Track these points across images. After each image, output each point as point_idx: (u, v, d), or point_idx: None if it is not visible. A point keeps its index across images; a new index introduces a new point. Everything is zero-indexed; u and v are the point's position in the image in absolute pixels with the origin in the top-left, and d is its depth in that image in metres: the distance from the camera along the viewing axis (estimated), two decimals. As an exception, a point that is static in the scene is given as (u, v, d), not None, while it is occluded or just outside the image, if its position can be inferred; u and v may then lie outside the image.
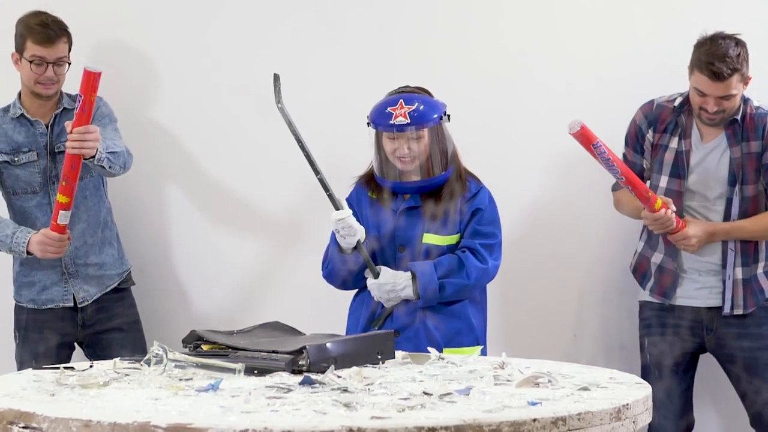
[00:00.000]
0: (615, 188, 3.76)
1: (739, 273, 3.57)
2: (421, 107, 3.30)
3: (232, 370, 2.40)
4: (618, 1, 3.95)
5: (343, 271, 3.37)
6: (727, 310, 3.56)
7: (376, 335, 2.74)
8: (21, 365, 3.69)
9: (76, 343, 3.82)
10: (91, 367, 2.55)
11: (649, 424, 3.36)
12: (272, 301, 4.01)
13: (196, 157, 4.04)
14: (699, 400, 3.78)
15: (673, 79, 3.61)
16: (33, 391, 2.24)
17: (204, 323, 3.75)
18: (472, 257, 3.31)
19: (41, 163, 3.69)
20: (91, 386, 2.27)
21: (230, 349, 2.57)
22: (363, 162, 3.46)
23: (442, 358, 2.68)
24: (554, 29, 3.95)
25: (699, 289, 3.61)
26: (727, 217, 3.57)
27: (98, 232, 3.76)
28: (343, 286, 3.44)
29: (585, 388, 2.24)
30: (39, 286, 3.73)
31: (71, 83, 3.70)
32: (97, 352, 3.74)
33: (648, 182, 3.62)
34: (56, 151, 3.68)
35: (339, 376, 2.33)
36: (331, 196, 3.29)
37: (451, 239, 3.35)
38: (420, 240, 3.34)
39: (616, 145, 3.62)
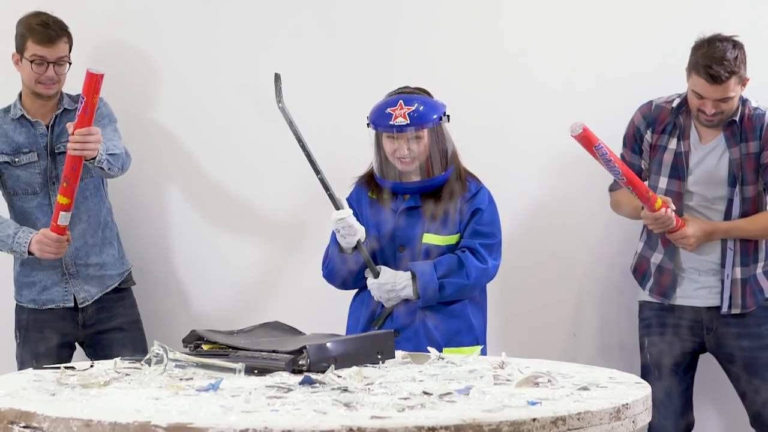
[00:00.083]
0: (612, 189, 3.76)
1: (738, 273, 3.58)
2: (421, 108, 3.30)
3: (233, 370, 2.40)
4: (618, 1, 3.96)
5: (343, 270, 3.37)
6: (725, 309, 3.57)
7: (376, 335, 2.74)
8: (22, 365, 3.69)
9: (76, 343, 3.83)
10: (91, 366, 2.55)
11: (649, 424, 3.37)
12: (272, 301, 4.01)
13: (197, 157, 4.05)
14: (699, 400, 3.79)
15: (672, 79, 3.61)
16: (34, 390, 2.25)
17: (204, 323, 3.75)
18: (471, 257, 3.31)
19: (42, 163, 3.69)
20: (91, 386, 2.27)
21: (230, 349, 2.57)
22: (363, 162, 3.46)
23: (442, 358, 2.68)
24: (554, 29, 3.95)
25: (698, 289, 3.61)
26: (727, 217, 3.58)
27: (99, 233, 3.76)
28: (343, 285, 3.45)
29: (584, 388, 2.24)
30: (39, 287, 3.73)
31: (71, 84, 3.71)
32: (97, 351, 3.75)
33: (646, 183, 3.62)
34: (56, 151, 3.68)
35: (339, 376, 2.34)
36: (331, 196, 3.30)
37: (450, 239, 3.35)
38: (420, 240, 3.34)
39: (616, 144, 3.63)
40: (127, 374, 2.42)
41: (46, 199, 3.70)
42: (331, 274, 3.42)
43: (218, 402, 2.08)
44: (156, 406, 2.05)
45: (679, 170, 3.59)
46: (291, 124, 3.30)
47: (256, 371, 2.42)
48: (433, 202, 3.34)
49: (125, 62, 4.03)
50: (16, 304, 3.79)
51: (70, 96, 3.74)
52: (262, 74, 3.59)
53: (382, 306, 3.36)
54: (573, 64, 3.93)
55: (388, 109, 3.31)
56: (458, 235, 3.36)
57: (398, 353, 2.71)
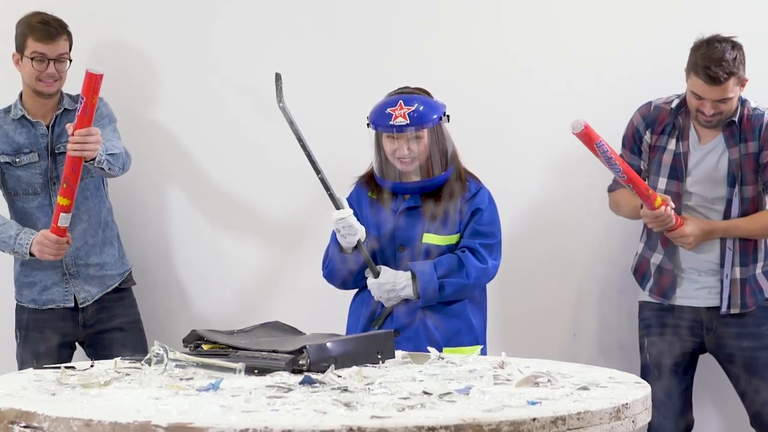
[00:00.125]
0: (611, 189, 3.76)
1: (737, 272, 3.58)
2: (421, 108, 3.31)
3: (233, 370, 2.40)
4: (618, 1, 3.96)
5: (344, 270, 3.37)
6: (724, 309, 3.57)
7: (376, 335, 2.74)
8: (22, 365, 3.70)
9: (77, 343, 3.83)
10: (91, 366, 2.55)
11: (649, 424, 3.37)
12: (272, 301, 4.01)
13: (197, 157, 4.05)
14: (699, 400, 3.79)
15: (672, 79, 3.61)
16: (34, 390, 2.25)
17: (204, 323, 3.76)
18: (471, 257, 3.31)
19: (42, 164, 3.70)
20: (91, 386, 2.27)
21: (231, 349, 2.57)
22: (363, 162, 3.46)
23: (442, 358, 2.68)
24: (554, 29, 3.95)
25: (698, 289, 3.61)
26: (727, 218, 3.58)
27: (99, 233, 3.77)
28: (343, 285, 3.45)
29: (584, 388, 2.24)
30: (40, 287, 3.73)
31: (71, 84, 3.72)
32: (98, 351, 3.75)
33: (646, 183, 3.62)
34: (56, 152, 3.69)
35: (339, 376, 2.34)
36: (331, 196, 3.30)
37: (450, 239, 3.36)
38: (420, 240, 3.35)
39: (615, 144, 3.63)
40: (127, 374, 2.43)
41: (47, 200, 3.70)
42: (332, 273, 3.42)
43: (218, 402, 2.09)
44: (156, 406, 2.05)
45: (678, 171, 3.59)
46: (291, 123, 3.30)
47: (256, 371, 2.42)
48: (433, 202, 3.34)
49: (125, 62, 4.03)
50: (17, 304, 3.79)
51: (70, 96, 3.74)
52: (262, 74, 3.60)
53: (382, 306, 3.36)
54: (573, 64, 3.93)
55: (388, 109, 3.31)
56: (458, 235, 3.36)
57: (398, 353, 2.71)
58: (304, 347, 2.43)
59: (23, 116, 3.70)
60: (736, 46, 3.45)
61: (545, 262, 3.96)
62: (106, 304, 3.78)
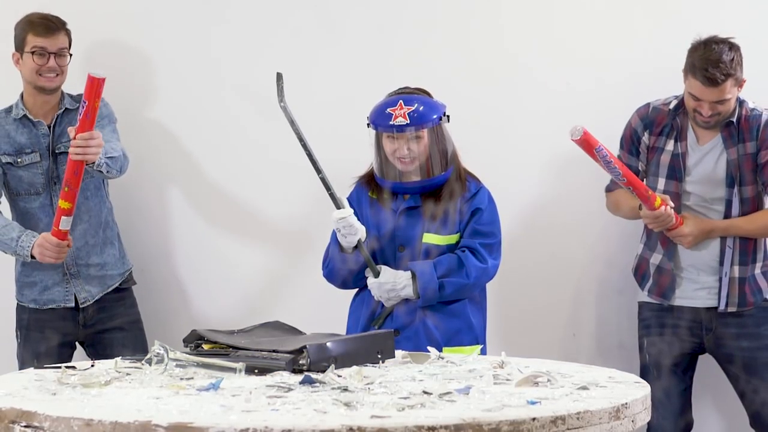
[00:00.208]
0: (609, 189, 3.77)
1: (736, 271, 3.58)
2: (421, 108, 3.31)
3: (233, 370, 2.41)
4: (617, 1, 3.96)
5: (344, 270, 3.38)
6: (722, 307, 3.57)
7: (376, 335, 2.74)
8: (23, 365, 3.70)
9: (77, 343, 3.83)
10: (92, 366, 2.56)
11: (648, 424, 3.37)
12: (273, 301, 4.01)
13: (197, 156, 4.05)
14: (698, 400, 3.79)
15: (672, 79, 3.61)
16: (34, 390, 2.25)
17: (205, 323, 3.76)
18: (471, 257, 3.32)
19: (44, 164, 3.70)
20: (92, 385, 2.28)
21: (231, 349, 2.57)
22: (363, 162, 3.47)
23: (442, 358, 2.69)
24: (554, 30, 3.96)
25: (698, 289, 3.61)
26: (727, 218, 3.58)
27: (99, 233, 3.77)
28: (344, 285, 3.45)
29: (584, 388, 2.24)
30: (40, 287, 3.73)
31: (71, 85, 3.72)
32: (98, 351, 3.75)
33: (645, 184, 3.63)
34: (57, 152, 3.69)
35: (339, 376, 2.34)
36: (332, 195, 3.30)
37: (450, 239, 3.36)
38: (420, 240, 3.35)
39: (615, 145, 3.63)
40: (127, 374, 2.43)
41: (48, 200, 3.70)
42: (332, 273, 3.42)
43: (219, 401, 2.09)
44: (157, 406, 2.05)
45: (676, 171, 3.60)
46: (292, 123, 3.30)
47: (256, 371, 2.42)
48: (433, 202, 3.35)
49: (125, 62, 4.04)
50: (17, 304, 3.80)
51: (71, 96, 3.75)
52: (262, 74, 3.60)
53: (382, 305, 3.36)
54: (572, 65, 3.94)
55: (388, 109, 3.31)
56: (458, 234, 3.37)
57: (398, 353, 2.71)
58: (305, 347, 2.43)
59: (25, 116, 3.70)
60: (733, 47, 3.45)
61: (545, 262, 3.96)
62: (107, 304, 3.78)
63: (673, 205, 3.48)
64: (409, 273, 3.31)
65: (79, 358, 3.82)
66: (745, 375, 3.61)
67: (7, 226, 3.62)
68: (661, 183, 3.60)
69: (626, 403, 2.12)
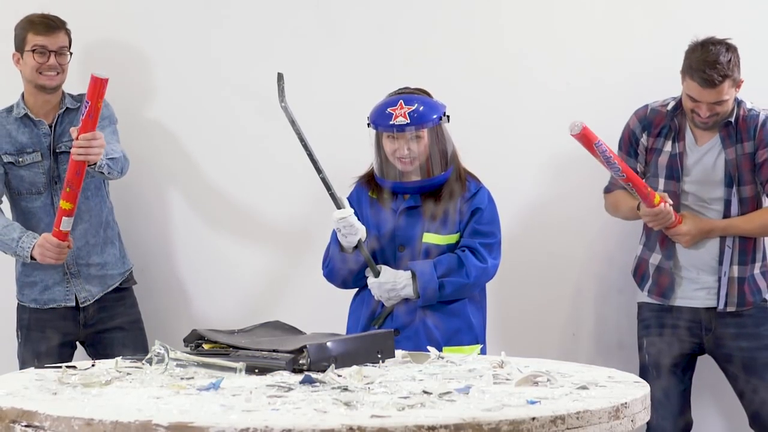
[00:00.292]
0: (607, 190, 3.77)
1: (735, 271, 3.58)
2: (421, 108, 3.31)
3: (233, 369, 2.41)
4: (617, 2, 3.96)
5: (344, 270, 3.38)
6: (721, 306, 3.57)
7: (376, 334, 2.75)
8: (23, 364, 3.70)
9: (77, 342, 3.84)
10: (92, 366, 2.56)
11: (647, 424, 3.38)
12: (273, 300, 4.02)
13: (197, 156, 4.05)
14: (698, 400, 3.79)
15: (671, 80, 3.61)
16: (35, 389, 2.25)
17: (205, 322, 3.76)
18: (471, 256, 3.32)
19: (45, 163, 3.70)
20: (92, 385, 2.28)
21: (231, 348, 2.58)
22: (363, 162, 3.47)
23: (442, 357, 2.69)
24: (554, 30, 3.96)
25: (697, 289, 3.62)
26: (725, 218, 3.58)
27: (100, 232, 3.77)
28: (344, 285, 3.46)
29: (584, 387, 2.25)
30: (41, 286, 3.74)
31: (71, 85, 3.72)
32: (98, 351, 3.76)
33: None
34: (58, 151, 3.69)
35: (339, 375, 2.34)
36: (332, 195, 3.31)
37: (450, 239, 3.36)
38: (420, 239, 3.35)
39: (614, 145, 3.63)
40: (128, 373, 2.43)
41: (49, 199, 3.70)
42: (332, 273, 3.42)
43: (219, 401, 2.09)
44: (157, 405, 2.05)
45: (674, 171, 3.60)
46: (293, 123, 3.31)
47: (256, 370, 2.42)
48: (433, 202, 3.35)
49: (125, 62, 4.04)
50: (18, 304, 3.80)
51: (72, 95, 3.75)
52: (263, 74, 3.60)
53: (382, 305, 3.36)
54: (572, 65, 3.94)
55: (389, 109, 3.32)
56: (458, 234, 3.37)
57: (398, 352, 2.71)
58: (305, 347, 2.44)
59: (26, 115, 3.70)
60: (730, 48, 3.45)
61: (545, 262, 3.96)
62: (107, 304, 3.78)
63: (672, 202, 3.49)
64: (409, 273, 3.32)
65: (80, 357, 3.82)
66: (744, 375, 3.61)
67: (8, 227, 3.63)
68: (661, 183, 3.61)
69: (626, 403, 2.12)
